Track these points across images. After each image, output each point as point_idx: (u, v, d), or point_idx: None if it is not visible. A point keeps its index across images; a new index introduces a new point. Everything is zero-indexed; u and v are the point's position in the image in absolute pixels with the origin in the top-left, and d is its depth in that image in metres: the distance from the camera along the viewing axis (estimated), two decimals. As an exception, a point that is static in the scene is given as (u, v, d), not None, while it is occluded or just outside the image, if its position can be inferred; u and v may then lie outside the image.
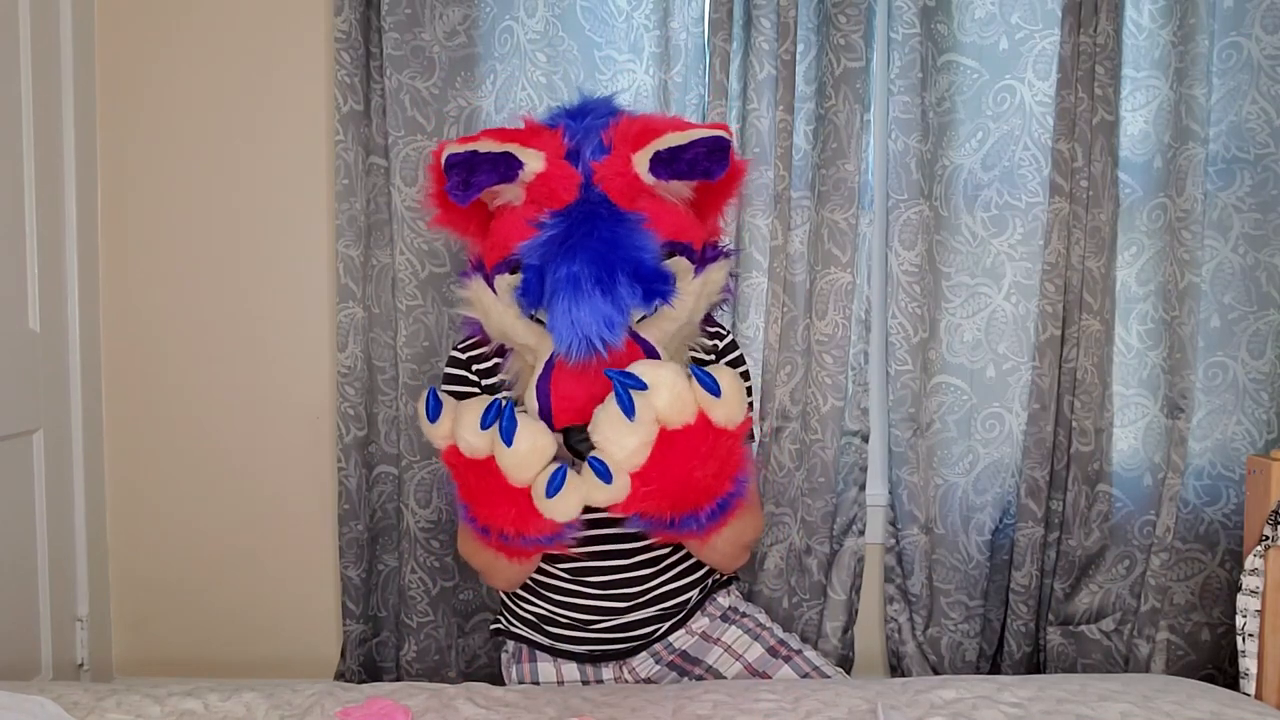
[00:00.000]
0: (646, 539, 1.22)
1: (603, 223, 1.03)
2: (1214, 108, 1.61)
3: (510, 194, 1.10)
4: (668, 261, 1.08)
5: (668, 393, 0.98)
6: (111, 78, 1.75)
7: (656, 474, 0.99)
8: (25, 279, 1.60)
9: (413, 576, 1.66)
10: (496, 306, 1.13)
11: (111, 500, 1.80)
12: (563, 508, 0.99)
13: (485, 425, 0.99)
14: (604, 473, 0.98)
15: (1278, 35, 1.59)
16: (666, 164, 1.05)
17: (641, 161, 1.06)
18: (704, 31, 1.63)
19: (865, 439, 1.69)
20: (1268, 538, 1.36)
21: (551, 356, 1.04)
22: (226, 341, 1.77)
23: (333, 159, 1.65)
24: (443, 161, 1.07)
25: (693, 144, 1.04)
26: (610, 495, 0.99)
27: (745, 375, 1.26)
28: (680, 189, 1.11)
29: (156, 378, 1.78)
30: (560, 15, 1.64)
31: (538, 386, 1.04)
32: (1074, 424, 1.64)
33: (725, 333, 1.28)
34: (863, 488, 1.70)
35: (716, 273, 1.16)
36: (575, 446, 1.04)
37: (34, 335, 1.62)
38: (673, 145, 1.04)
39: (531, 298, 1.04)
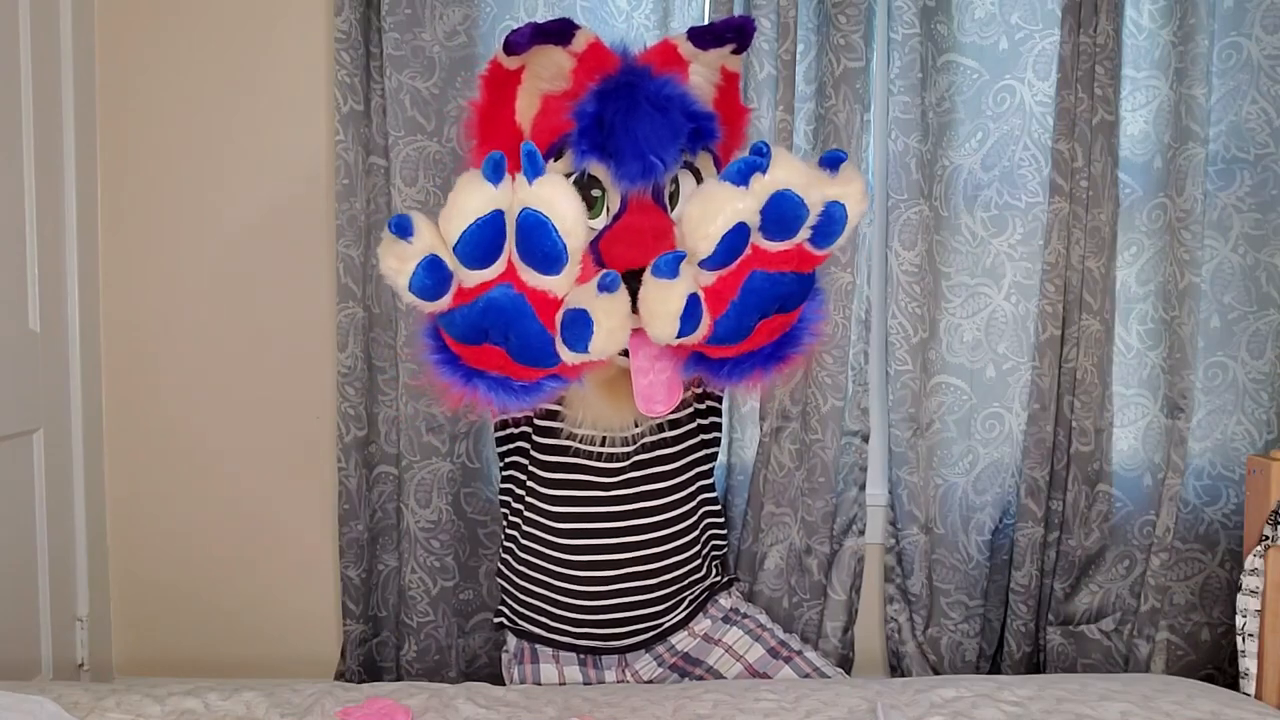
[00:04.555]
0: (649, 526, 1.24)
1: (652, 76, 1.09)
2: (1214, 108, 1.61)
3: (554, 80, 1.13)
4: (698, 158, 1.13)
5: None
6: (111, 78, 1.75)
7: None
8: (25, 279, 1.60)
9: (413, 576, 1.66)
10: None
11: (111, 500, 1.80)
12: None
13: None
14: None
15: (1278, 35, 1.59)
16: (701, 33, 1.14)
17: (680, 39, 1.15)
18: (704, 31, 1.63)
19: (865, 439, 1.69)
20: (1268, 538, 1.36)
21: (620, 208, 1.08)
22: (226, 341, 1.77)
23: (333, 159, 1.65)
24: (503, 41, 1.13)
25: (724, 19, 1.17)
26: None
27: None
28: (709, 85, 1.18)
29: (156, 377, 1.78)
30: (560, 15, 1.64)
31: (592, 244, 1.03)
32: (1074, 424, 1.64)
33: None
34: (863, 488, 1.70)
35: None
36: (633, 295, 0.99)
37: (34, 335, 1.62)
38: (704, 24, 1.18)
39: (589, 138, 1.05)
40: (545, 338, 0.96)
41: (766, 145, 0.94)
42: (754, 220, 0.95)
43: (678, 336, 0.97)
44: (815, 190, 0.95)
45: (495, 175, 0.91)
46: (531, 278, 0.95)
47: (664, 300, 0.95)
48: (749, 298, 0.98)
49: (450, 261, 0.93)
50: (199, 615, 1.80)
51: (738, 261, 0.97)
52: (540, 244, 0.92)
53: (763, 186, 0.93)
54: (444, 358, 1.01)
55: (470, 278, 0.94)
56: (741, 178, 0.93)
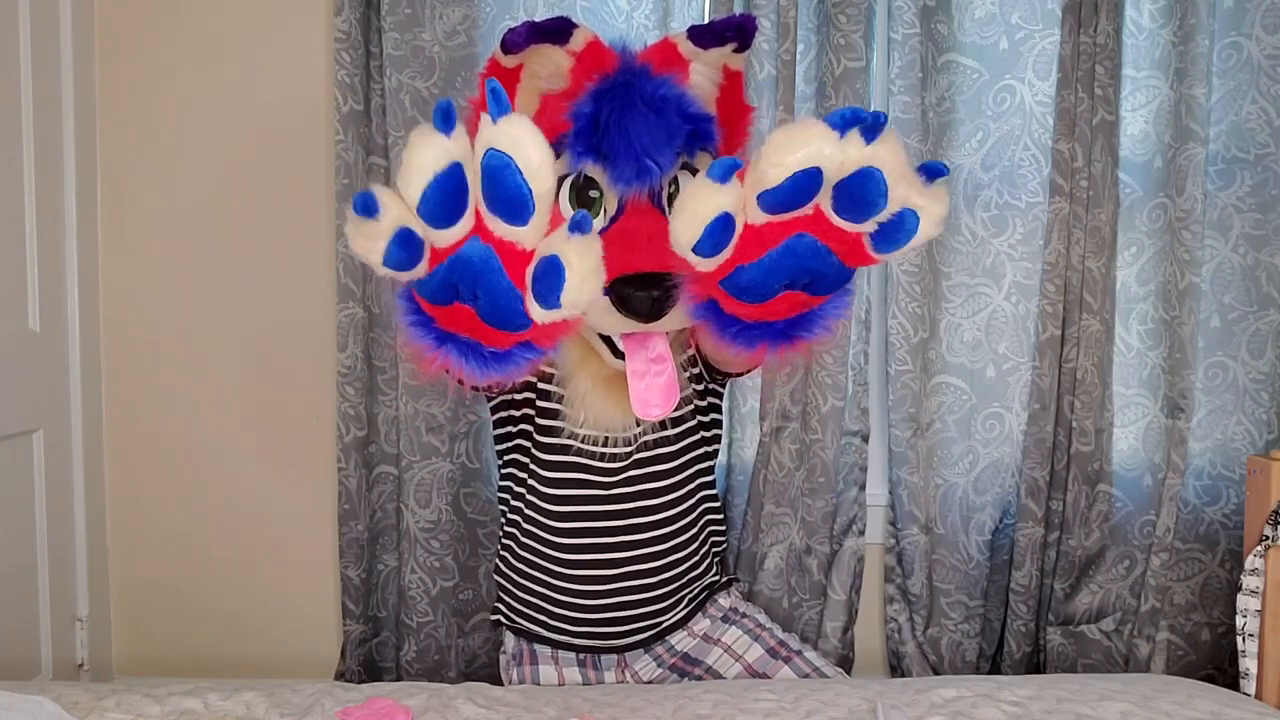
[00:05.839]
0: (649, 525, 1.24)
1: (649, 76, 1.09)
2: (1214, 108, 1.61)
3: (553, 79, 1.13)
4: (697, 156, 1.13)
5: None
6: (111, 77, 1.75)
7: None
8: (25, 279, 1.60)
9: (413, 576, 1.66)
10: None
11: (111, 500, 1.80)
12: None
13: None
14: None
15: (1278, 35, 1.60)
16: (702, 32, 1.14)
17: (680, 38, 1.15)
18: (704, 31, 1.63)
19: (865, 439, 1.69)
20: (1268, 538, 1.36)
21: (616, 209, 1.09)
22: (226, 341, 1.77)
23: (333, 159, 1.65)
24: (501, 40, 1.12)
25: (724, 18, 1.16)
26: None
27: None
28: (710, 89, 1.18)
29: (156, 377, 1.78)
30: (560, 15, 1.64)
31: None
32: (1074, 424, 1.64)
33: None
34: (863, 488, 1.70)
35: None
36: (629, 301, 0.95)
37: (34, 335, 1.62)
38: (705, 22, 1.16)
39: (585, 139, 1.06)
40: (514, 294, 0.89)
41: (885, 116, 0.86)
42: (831, 176, 0.87)
43: (694, 249, 0.90)
44: (902, 187, 0.88)
45: (445, 124, 0.83)
46: (498, 227, 0.88)
47: (699, 199, 0.88)
48: (786, 257, 0.91)
49: (420, 228, 0.86)
50: (199, 615, 1.80)
51: (793, 215, 0.90)
52: (504, 187, 0.84)
53: (857, 150, 0.85)
54: (418, 319, 0.95)
55: (440, 238, 0.87)
56: (844, 125, 0.85)
